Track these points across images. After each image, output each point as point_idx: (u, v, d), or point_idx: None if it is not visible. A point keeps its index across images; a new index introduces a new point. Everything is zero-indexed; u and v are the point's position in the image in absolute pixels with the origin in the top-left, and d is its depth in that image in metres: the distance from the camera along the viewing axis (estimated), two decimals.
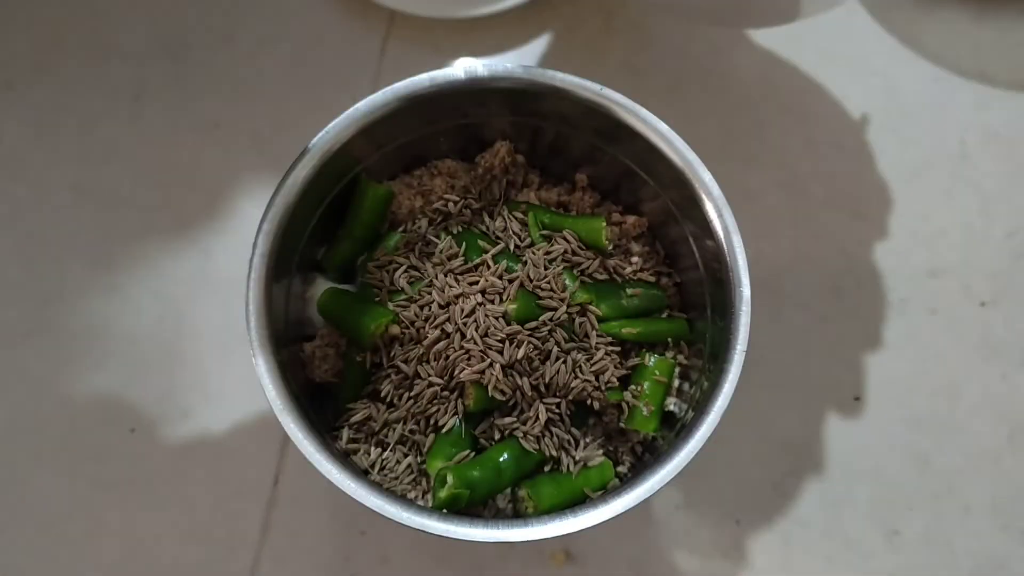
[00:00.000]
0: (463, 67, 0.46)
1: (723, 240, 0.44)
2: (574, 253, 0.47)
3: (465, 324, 0.43)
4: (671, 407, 0.48)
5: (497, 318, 0.43)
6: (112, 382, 0.57)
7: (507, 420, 0.44)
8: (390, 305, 0.45)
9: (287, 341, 0.46)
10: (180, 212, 0.61)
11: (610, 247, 0.49)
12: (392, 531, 0.54)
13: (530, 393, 0.44)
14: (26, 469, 0.56)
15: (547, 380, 0.44)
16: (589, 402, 0.45)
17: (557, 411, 0.45)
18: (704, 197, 0.45)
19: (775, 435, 0.57)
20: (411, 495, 0.45)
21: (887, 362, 0.59)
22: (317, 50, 0.65)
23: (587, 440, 0.47)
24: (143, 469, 0.56)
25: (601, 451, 0.47)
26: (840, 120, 0.65)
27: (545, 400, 0.44)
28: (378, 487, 0.41)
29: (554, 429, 0.45)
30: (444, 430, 0.44)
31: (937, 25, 0.68)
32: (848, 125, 0.65)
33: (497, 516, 0.46)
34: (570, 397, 0.45)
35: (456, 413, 0.44)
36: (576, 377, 0.44)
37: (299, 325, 0.49)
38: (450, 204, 0.49)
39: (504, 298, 0.44)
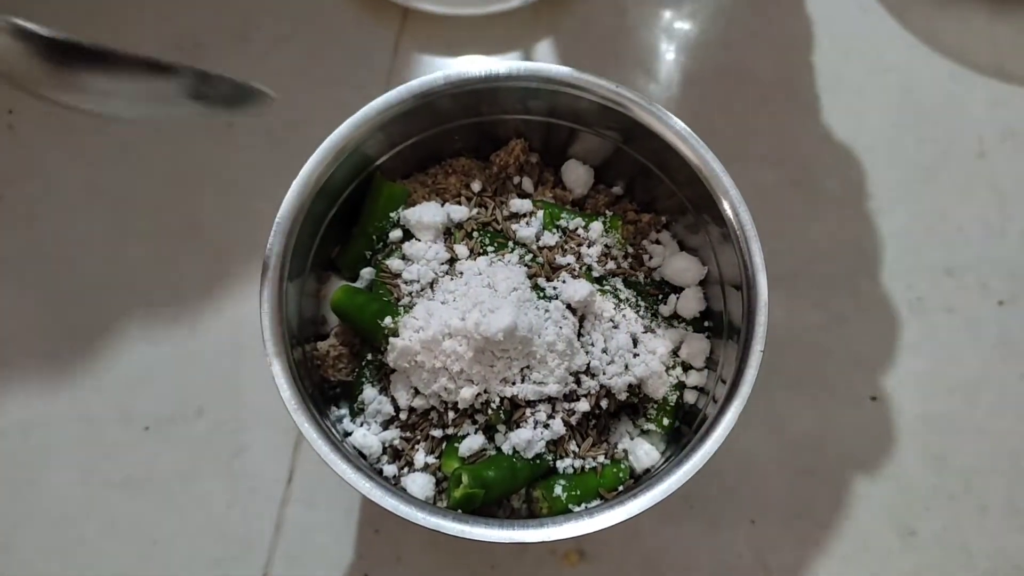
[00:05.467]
0: (478, 65, 0.46)
1: (740, 238, 0.44)
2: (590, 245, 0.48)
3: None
4: (691, 400, 0.48)
5: None
6: (127, 380, 0.57)
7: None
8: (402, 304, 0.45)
9: (301, 340, 0.46)
10: (194, 211, 0.61)
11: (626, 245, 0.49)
12: (406, 530, 0.54)
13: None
14: (40, 468, 0.56)
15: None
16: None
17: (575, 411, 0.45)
18: (720, 195, 0.45)
19: (791, 434, 0.57)
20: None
21: (904, 361, 0.59)
22: (330, 48, 0.65)
23: (605, 438, 0.47)
24: (157, 467, 0.56)
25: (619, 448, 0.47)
26: (856, 117, 0.64)
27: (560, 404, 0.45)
28: (392, 487, 0.41)
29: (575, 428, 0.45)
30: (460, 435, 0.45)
31: (954, 22, 0.67)
32: (864, 123, 0.64)
33: (511, 516, 0.46)
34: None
35: (475, 423, 0.45)
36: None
37: (313, 324, 0.49)
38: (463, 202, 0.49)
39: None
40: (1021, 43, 0.66)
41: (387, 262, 0.47)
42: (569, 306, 0.45)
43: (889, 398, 0.58)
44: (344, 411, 0.48)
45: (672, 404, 0.47)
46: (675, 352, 0.48)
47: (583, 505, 0.43)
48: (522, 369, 0.43)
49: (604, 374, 0.45)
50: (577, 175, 0.51)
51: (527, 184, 0.51)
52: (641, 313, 0.48)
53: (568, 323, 0.44)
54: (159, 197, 0.61)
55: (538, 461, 0.44)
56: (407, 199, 0.49)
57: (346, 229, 0.49)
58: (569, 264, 0.47)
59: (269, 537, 0.55)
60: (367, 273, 0.49)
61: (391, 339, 0.43)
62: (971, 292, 0.60)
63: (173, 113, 0.42)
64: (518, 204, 0.49)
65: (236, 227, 0.61)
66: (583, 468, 0.45)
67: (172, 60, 0.37)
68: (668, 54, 0.66)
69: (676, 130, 0.45)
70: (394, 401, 0.46)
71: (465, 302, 0.43)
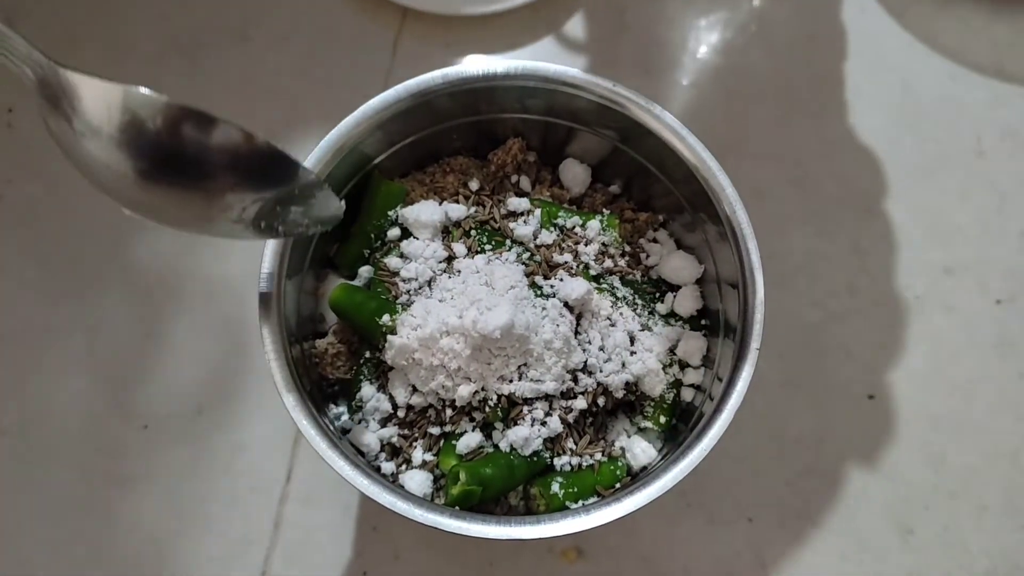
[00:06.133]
0: (476, 64, 0.46)
1: (737, 237, 0.44)
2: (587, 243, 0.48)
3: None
4: (688, 398, 0.48)
5: None
6: (126, 378, 0.58)
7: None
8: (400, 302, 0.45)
9: (300, 338, 0.46)
10: None
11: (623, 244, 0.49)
12: (404, 527, 0.54)
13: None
14: (40, 465, 0.56)
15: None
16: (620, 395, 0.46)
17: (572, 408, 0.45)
18: (717, 194, 0.45)
19: (789, 433, 0.57)
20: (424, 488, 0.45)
21: (902, 360, 0.59)
22: (330, 48, 0.65)
23: (602, 435, 0.47)
24: (156, 465, 0.56)
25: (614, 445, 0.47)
26: (855, 117, 0.64)
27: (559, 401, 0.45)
28: (390, 484, 0.41)
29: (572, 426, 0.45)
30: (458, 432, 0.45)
31: (953, 22, 0.67)
32: (863, 122, 0.64)
33: (509, 513, 0.46)
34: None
35: (472, 420, 0.45)
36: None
37: (311, 322, 0.49)
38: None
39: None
40: (1020, 43, 0.66)
41: (385, 260, 0.47)
42: (566, 304, 0.45)
43: (887, 397, 0.58)
44: (342, 409, 0.48)
45: (669, 402, 0.47)
46: (672, 350, 0.48)
47: (580, 502, 0.43)
48: (519, 367, 0.43)
49: (601, 372, 0.45)
50: (575, 174, 0.52)
51: (525, 183, 0.51)
52: (638, 311, 0.48)
53: (565, 321, 0.44)
54: None
55: (535, 458, 0.44)
56: (405, 197, 0.49)
57: (344, 227, 0.49)
58: (566, 262, 0.47)
59: (268, 535, 0.55)
60: (365, 271, 0.49)
61: (389, 337, 0.43)
62: (970, 291, 0.60)
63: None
64: (516, 203, 0.49)
65: None
66: (580, 465, 0.45)
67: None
68: (666, 53, 0.66)
69: (673, 129, 0.45)
70: (392, 399, 0.46)
71: (463, 300, 0.43)
